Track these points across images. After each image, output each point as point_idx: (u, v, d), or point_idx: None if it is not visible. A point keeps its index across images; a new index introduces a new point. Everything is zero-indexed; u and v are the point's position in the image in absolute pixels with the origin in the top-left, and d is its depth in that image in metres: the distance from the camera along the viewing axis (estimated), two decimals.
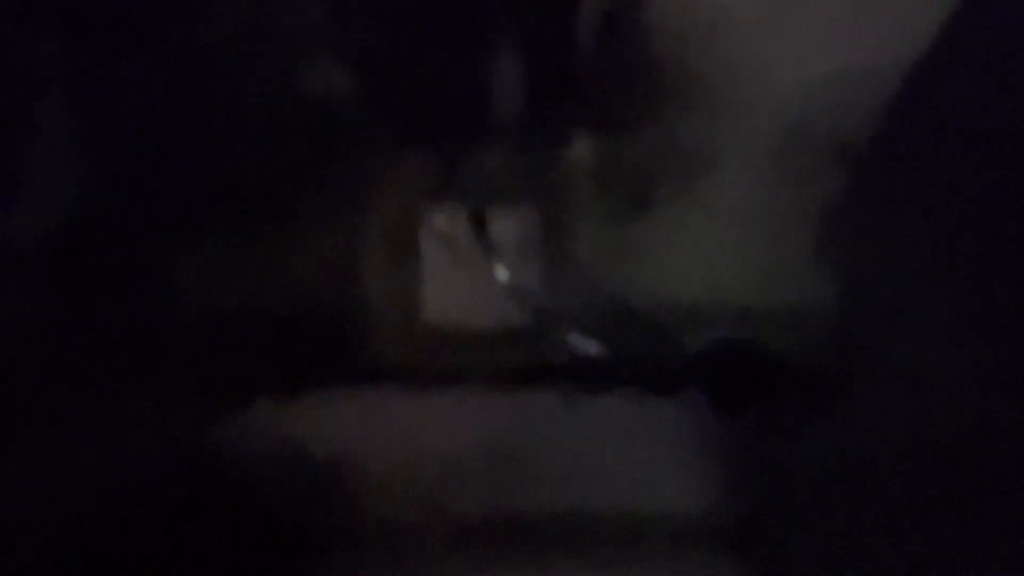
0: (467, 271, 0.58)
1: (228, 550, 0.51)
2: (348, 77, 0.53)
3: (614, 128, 0.58)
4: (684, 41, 0.54)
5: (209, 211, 0.51)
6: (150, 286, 0.50)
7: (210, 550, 0.51)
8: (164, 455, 0.49)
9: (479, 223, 0.56)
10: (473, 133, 0.55)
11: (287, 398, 0.53)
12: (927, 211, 0.48)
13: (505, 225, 0.59)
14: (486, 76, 0.55)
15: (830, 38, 0.52)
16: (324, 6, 0.52)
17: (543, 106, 0.55)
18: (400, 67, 0.53)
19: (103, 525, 0.48)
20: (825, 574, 0.50)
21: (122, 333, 0.48)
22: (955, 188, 0.47)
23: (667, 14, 0.54)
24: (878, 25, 0.51)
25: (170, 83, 0.49)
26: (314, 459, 0.53)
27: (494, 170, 0.57)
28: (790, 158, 0.53)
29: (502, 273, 0.56)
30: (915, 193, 0.49)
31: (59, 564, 0.47)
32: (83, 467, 0.48)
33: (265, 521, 0.52)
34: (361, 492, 0.53)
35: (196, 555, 0.50)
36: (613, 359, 0.56)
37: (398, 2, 0.53)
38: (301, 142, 0.53)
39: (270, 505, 0.52)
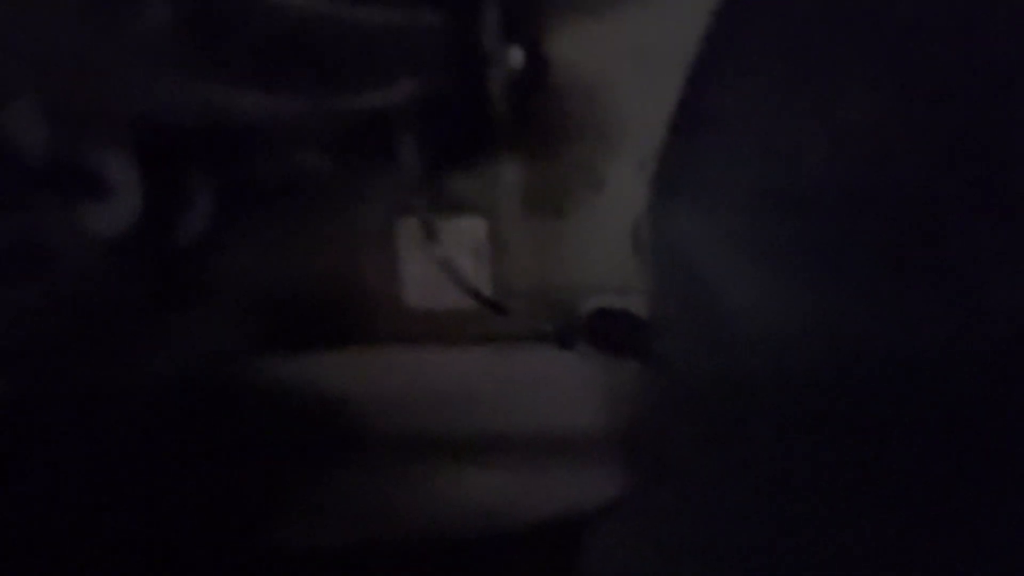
0: (430, 265, 0.80)
1: (249, 463, 0.70)
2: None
3: (535, 157, 0.79)
4: (574, 98, 0.75)
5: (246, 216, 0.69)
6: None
7: (234, 462, 0.70)
8: (206, 383, 0.69)
9: (430, 229, 0.76)
10: (432, 163, 0.75)
11: (300, 352, 0.75)
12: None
13: (461, 231, 0.81)
14: (440, 123, 0.74)
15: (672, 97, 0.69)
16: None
17: (475, 142, 0.75)
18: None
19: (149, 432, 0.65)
20: (691, 468, 0.60)
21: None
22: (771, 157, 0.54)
23: (561, 79, 0.75)
24: None
25: None
26: (315, 397, 0.74)
27: (447, 189, 0.78)
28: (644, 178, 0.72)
29: (452, 268, 0.77)
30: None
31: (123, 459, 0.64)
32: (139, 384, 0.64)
33: (279, 440, 0.72)
34: (348, 422, 0.74)
35: (222, 462, 0.68)
36: (535, 326, 0.77)
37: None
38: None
39: (285, 429, 0.73)
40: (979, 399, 0.50)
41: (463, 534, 0.72)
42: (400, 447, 0.74)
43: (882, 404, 0.52)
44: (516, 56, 0.71)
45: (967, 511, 0.50)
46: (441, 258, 0.76)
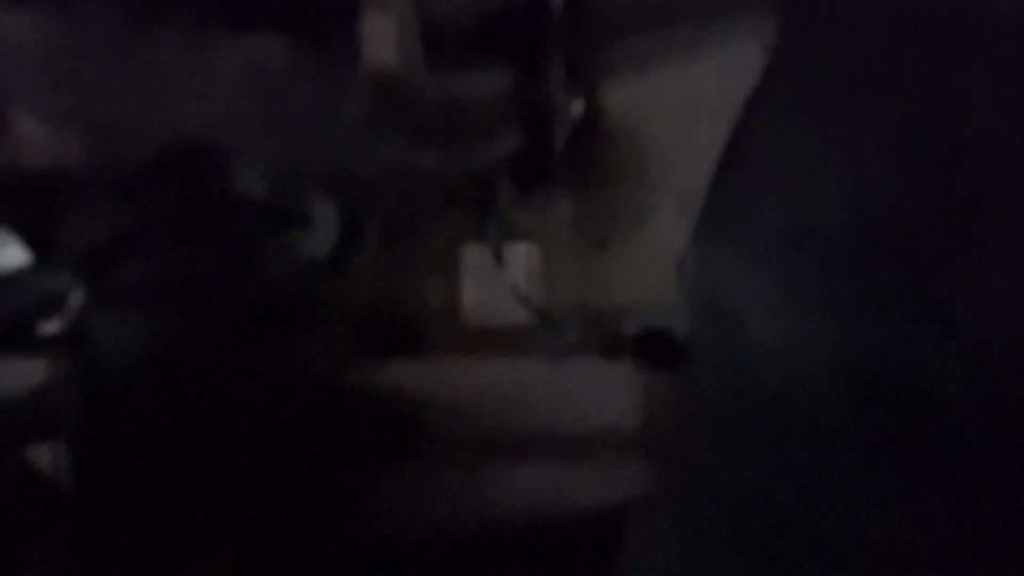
0: (492, 287, 0.90)
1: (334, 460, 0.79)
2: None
3: (585, 193, 0.89)
4: (622, 144, 0.85)
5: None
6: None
7: (332, 459, 0.79)
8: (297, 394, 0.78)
9: (498, 254, 0.87)
10: (493, 200, 0.86)
11: (381, 362, 0.84)
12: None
13: (517, 256, 0.91)
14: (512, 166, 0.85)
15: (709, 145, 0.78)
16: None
17: (538, 181, 0.85)
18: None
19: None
20: (712, 475, 0.66)
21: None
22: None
23: (611, 127, 0.85)
24: None
25: None
26: (387, 400, 0.83)
27: (510, 221, 0.88)
28: (684, 214, 0.81)
29: (514, 289, 0.87)
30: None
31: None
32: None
33: (366, 439, 0.82)
34: (423, 424, 0.84)
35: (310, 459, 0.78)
36: (583, 341, 0.87)
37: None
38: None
39: (369, 429, 0.82)
40: (979, 415, 0.56)
41: (519, 523, 0.81)
42: (464, 446, 0.83)
43: (891, 418, 0.58)
44: (577, 107, 0.82)
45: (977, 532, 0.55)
46: (506, 280, 0.86)
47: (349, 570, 0.79)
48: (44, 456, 0.67)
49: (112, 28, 0.69)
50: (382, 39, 0.75)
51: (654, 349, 0.83)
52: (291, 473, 0.78)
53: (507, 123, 0.78)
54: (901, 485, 0.57)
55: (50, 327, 0.67)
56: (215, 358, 0.67)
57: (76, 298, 0.66)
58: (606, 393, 0.85)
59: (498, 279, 0.88)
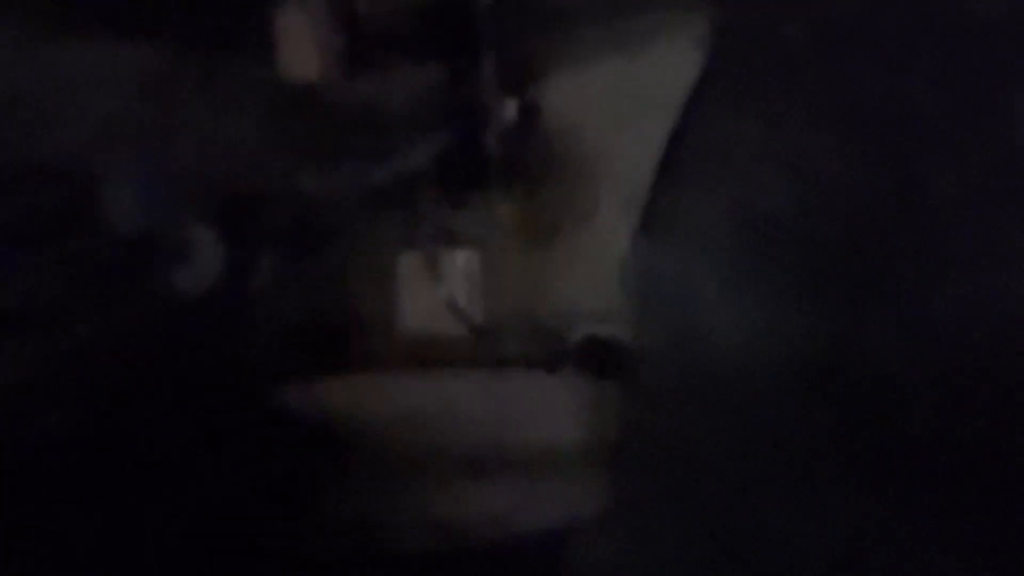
0: (429, 296, 0.86)
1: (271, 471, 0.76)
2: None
3: (525, 196, 0.85)
4: (561, 142, 0.81)
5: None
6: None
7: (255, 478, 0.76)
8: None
9: (431, 262, 0.83)
10: (434, 203, 0.82)
11: (310, 378, 0.80)
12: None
13: (455, 263, 0.87)
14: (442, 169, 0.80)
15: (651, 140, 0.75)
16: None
17: (472, 184, 0.81)
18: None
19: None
20: (667, 483, 0.66)
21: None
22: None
23: (550, 125, 0.81)
24: None
25: None
26: (324, 420, 0.79)
27: (444, 227, 0.84)
28: (629, 214, 0.78)
29: (452, 298, 0.83)
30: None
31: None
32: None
33: (293, 460, 0.78)
34: (356, 442, 0.80)
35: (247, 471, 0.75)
36: (525, 352, 0.83)
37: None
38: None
39: (297, 450, 0.78)
40: (935, 400, 0.55)
41: (463, 544, 0.78)
42: (402, 464, 0.79)
43: (847, 410, 0.57)
44: (511, 108, 0.78)
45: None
46: (442, 289, 0.82)
47: None
48: None
49: None
50: (295, 41, 0.70)
51: (599, 357, 0.80)
52: (219, 501, 0.75)
53: (433, 125, 0.73)
54: (860, 478, 0.57)
55: None
56: (102, 395, 0.61)
57: None
58: (550, 406, 0.81)
59: (435, 288, 0.84)
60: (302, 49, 0.71)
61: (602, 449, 0.80)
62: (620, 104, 0.80)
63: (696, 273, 0.65)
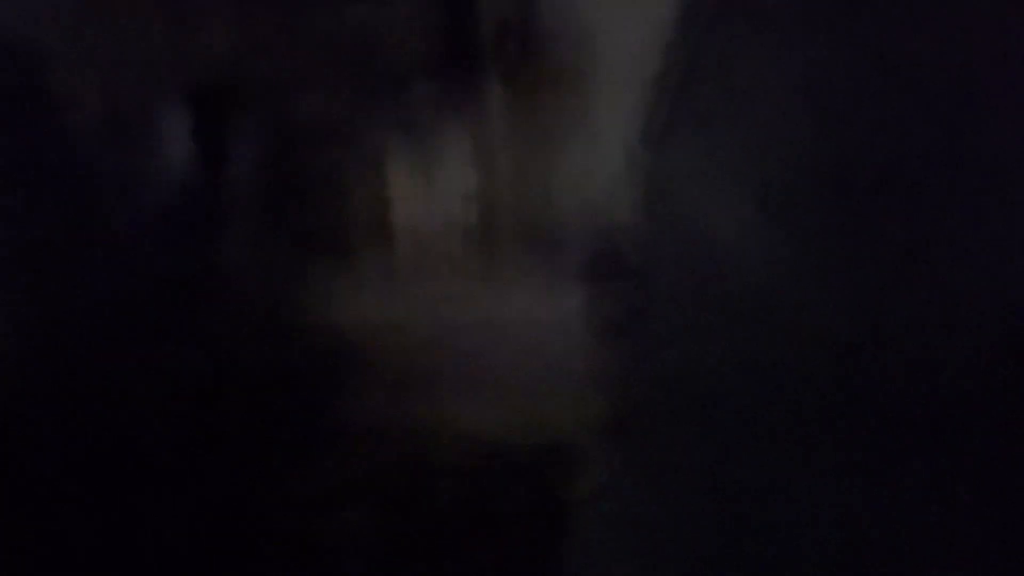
0: (424, 207, 0.81)
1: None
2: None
3: (524, 95, 0.80)
4: (563, 37, 0.76)
5: None
6: None
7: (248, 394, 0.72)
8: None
9: (427, 172, 0.78)
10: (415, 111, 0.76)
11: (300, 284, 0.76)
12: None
13: (449, 172, 0.82)
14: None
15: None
16: None
17: (464, 88, 0.76)
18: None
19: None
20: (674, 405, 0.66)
21: None
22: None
23: (547, 23, 0.76)
24: None
25: None
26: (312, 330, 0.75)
27: (437, 133, 0.79)
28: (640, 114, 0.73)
29: (447, 210, 0.79)
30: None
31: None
32: None
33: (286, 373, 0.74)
34: (348, 355, 0.76)
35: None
36: (526, 265, 0.79)
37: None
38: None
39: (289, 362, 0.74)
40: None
41: (459, 462, 0.75)
42: (395, 379, 0.76)
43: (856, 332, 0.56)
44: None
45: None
46: (437, 200, 0.78)
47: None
48: None
49: None
50: None
51: (605, 271, 0.76)
52: (216, 419, 0.71)
53: (424, 23, 0.67)
54: (867, 456, 0.55)
55: None
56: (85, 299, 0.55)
57: None
58: (553, 321, 0.77)
59: (429, 199, 0.80)
60: None
61: (607, 366, 0.77)
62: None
63: (713, 184, 0.62)
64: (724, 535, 0.57)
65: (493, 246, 0.80)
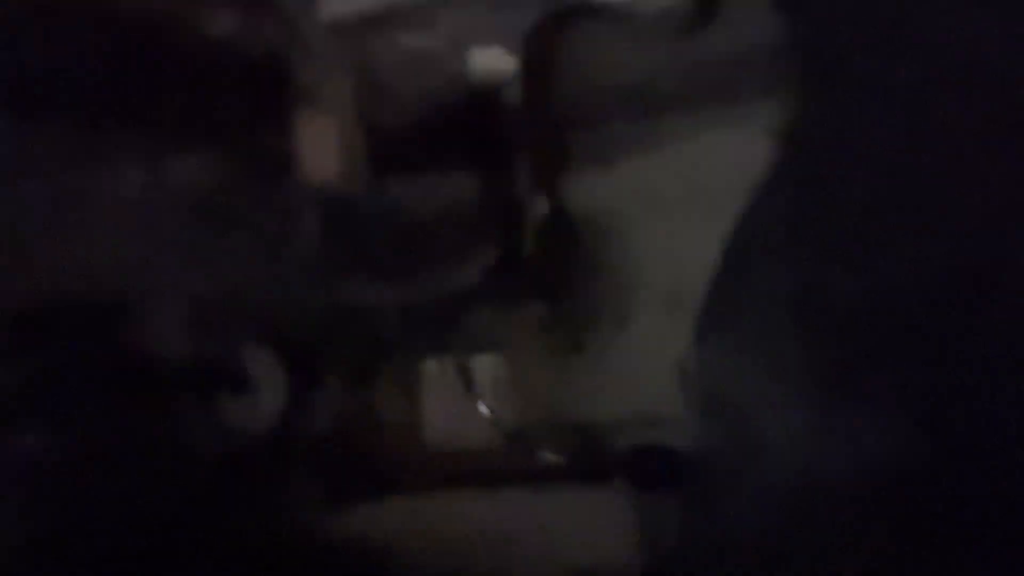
0: (457, 406, 0.81)
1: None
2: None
3: (553, 298, 0.81)
4: (592, 241, 0.77)
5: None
6: None
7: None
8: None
9: (464, 371, 0.77)
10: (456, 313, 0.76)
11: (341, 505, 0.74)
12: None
13: (482, 369, 0.82)
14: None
15: (689, 238, 0.72)
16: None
17: (503, 288, 0.76)
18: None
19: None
20: None
21: None
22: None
23: (580, 224, 0.77)
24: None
25: None
26: (354, 549, 0.73)
27: (472, 331, 0.79)
28: (672, 314, 0.74)
29: (482, 407, 0.78)
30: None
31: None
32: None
33: None
34: (393, 571, 0.73)
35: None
36: (565, 462, 0.78)
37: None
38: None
39: None
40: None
41: None
42: None
43: (913, 524, 0.55)
44: (543, 205, 0.73)
45: None
46: (472, 397, 0.77)
47: None
48: None
49: None
50: (320, 149, 0.65)
51: (648, 467, 0.74)
52: None
53: (471, 234, 0.68)
54: None
55: None
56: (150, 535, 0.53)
57: None
58: (596, 522, 0.75)
59: (463, 397, 0.79)
60: (322, 153, 0.66)
61: (656, 567, 0.75)
62: (654, 201, 0.76)
63: (760, 375, 0.62)
64: None
65: (531, 446, 0.79)
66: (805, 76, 0.60)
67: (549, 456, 0.78)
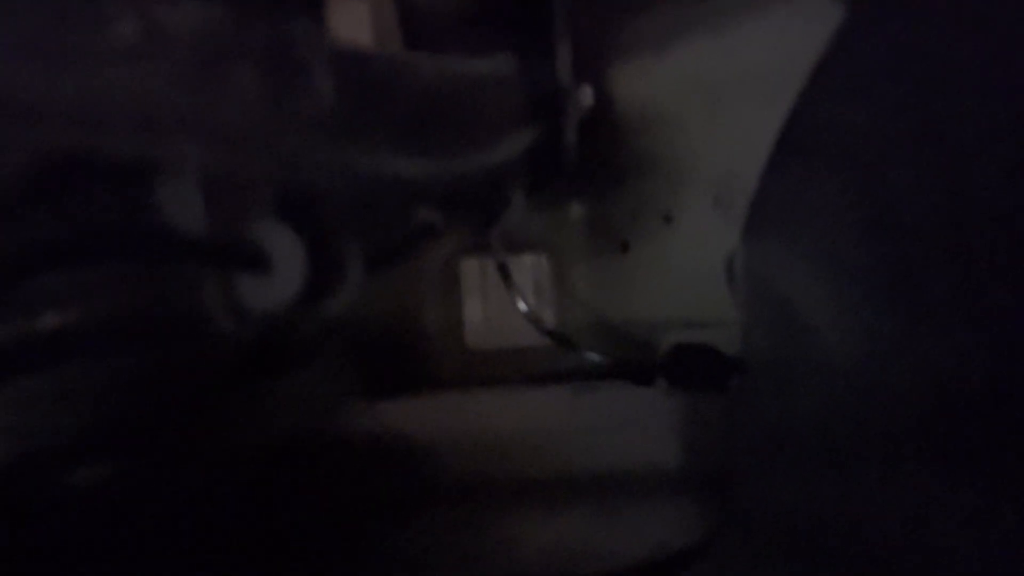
0: (498, 305, 0.79)
1: (329, 510, 0.69)
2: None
3: (599, 192, 0.78)
4: (640, 134, 0.73)
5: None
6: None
7: (319, 511, 0.68)
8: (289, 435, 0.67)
9: (504, 269, 0.75)
10: (498, 205, 0.74)
11: (372, 400, 0.73)
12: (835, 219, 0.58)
13: (523, 269, 0.79)
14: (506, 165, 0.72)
15: (743, 127, 0.69)
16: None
17: (546, 182, 0.74)
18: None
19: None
20: (763, 510, 0.62)
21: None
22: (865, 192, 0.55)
23: (627, 116, 0.73)
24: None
25: None
26: (391, 444, 0.72)
27: (513, 229, 0.77)
28: (721, 211, 0.71)
29: (522, 305, 0.76)
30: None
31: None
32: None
33: (355, 487, 0.70)
34: (426, 468, 0.73)
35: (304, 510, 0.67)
36: (605, 363, 0.76)
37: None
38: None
39: (364, 477, 0.71)
40: None
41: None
42: (475, 491, 0.72)
43: (978, 436, 0.52)
44: (586, 94, 0.70)
45: None
46: (513, 297, 0.75)
47: None
48: None
49: None
50: (352, 32, 0.62)
51: (694, 369, 0.72)
52: (288, 534, 0.67)
53: (511, 117, 0.65)
54: (987, 500, 0.52)
55: None
56: (165, 422, 0.52)
57: None
58: (640, 425, 0.74)
59: (504, 296, 0.77)
60: (354, 36, 0.64)
61: (701, 471, 0.73)
62: (704, 92, 0.72)
63: (816, 277, 0.59)
64: None
65: (575, 346, 0.77)
66: None
67: (591, 356, 0.76)
